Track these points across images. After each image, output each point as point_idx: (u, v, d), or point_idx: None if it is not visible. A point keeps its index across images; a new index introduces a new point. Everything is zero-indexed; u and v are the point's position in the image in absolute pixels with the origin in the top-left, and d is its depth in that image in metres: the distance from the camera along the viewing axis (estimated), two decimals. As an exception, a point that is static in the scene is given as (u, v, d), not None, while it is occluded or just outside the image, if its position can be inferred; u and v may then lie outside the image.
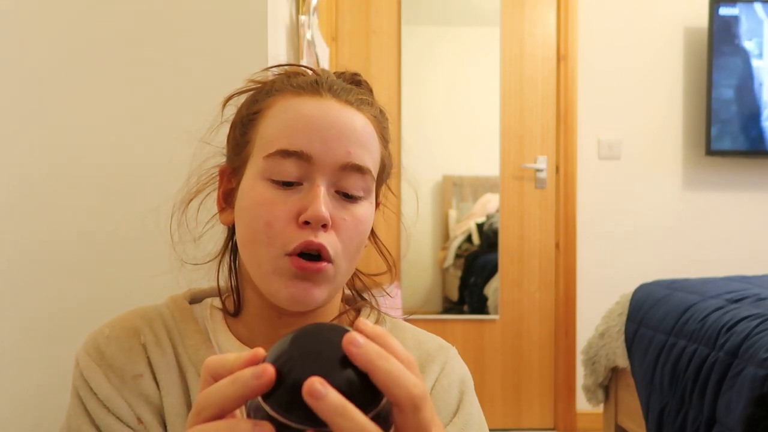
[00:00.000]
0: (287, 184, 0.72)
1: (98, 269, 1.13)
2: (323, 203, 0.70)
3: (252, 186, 0.74)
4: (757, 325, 1.93)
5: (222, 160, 0.83)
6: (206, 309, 0.82)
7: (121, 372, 0.75)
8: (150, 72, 1.13)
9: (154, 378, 0.76)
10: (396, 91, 3.42)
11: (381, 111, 0.80)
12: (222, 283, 0.83)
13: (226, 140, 0.82)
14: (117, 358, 0.76)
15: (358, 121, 0.75)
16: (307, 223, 0.70)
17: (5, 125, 1.11)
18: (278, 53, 1.27)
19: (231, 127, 0.81)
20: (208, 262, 0.84)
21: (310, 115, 0.73)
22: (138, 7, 1.13)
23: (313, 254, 0.71)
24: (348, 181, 0.73)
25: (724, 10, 3.28)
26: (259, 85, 0.80)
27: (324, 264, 0.71)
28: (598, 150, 3.41)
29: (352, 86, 0.79)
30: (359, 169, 0.73)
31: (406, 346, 0.82)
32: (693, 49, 3.42)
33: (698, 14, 3.38)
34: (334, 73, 0.82)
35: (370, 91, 0.82)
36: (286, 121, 0.73)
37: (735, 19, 3.29)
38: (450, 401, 0.80)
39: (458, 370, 0.83)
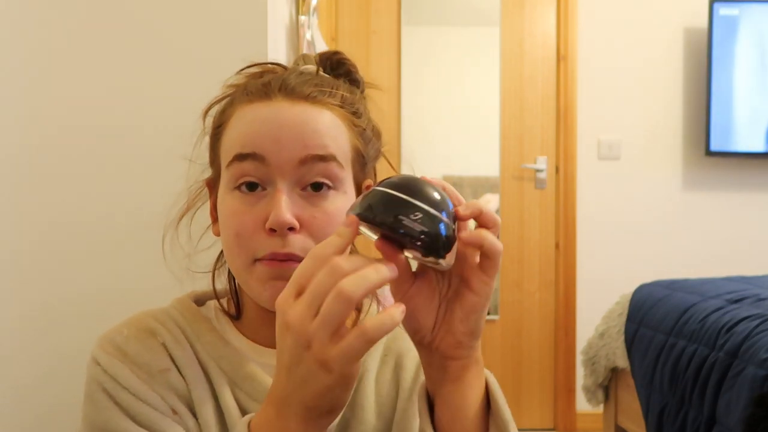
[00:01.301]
0: (251, 188, 0.72)
1: (100, 263, 1.13)
2: (285, 207, 0.70)
3: (222, 198, 0.75)
4: (757, 326, 1.93)
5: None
6: (211, 311, 0.83)
7: (147, 367, 0.75)
8: (149, 72, 1.13)
9: (180, 372, 0.76)
10: (396, 91, 3.42)
11: (348, 95, 0.78)
12: (220, 287, 0.84)
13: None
14: (141, 356, 0.75)
15: (310, 112, 0.73)
16: (273, 230, 0.70)
17: (13, 122, 1.11)
18: (278, 53, 1.27)
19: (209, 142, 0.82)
20: (215, 270, 0.85)
21: (260, 120, 0.73)
22: (138, 7, 1.13)
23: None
24: (310, 174, 0.72)
25: (724, 11, 3.28)
26: (232, 90, 0.80)
27: (294, 263, 0.70)
28: (597, 150, 3.41)
29: (311, 76, 0.77)
30: (321, 158, 0.72)
31: (407, 343, 0.83)
32: (693, 50, 3.42)
33: (698, 14, 3.38)
34: (319, 55, 0.81)
35: (349, 71, 0.82)
36: (239, 128, 0.74)
37: (735, 20, 3.29)
38: None
39: None
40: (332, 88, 0.77)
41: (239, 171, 0.72)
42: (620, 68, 3.41)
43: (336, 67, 0.82)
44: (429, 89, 3.47)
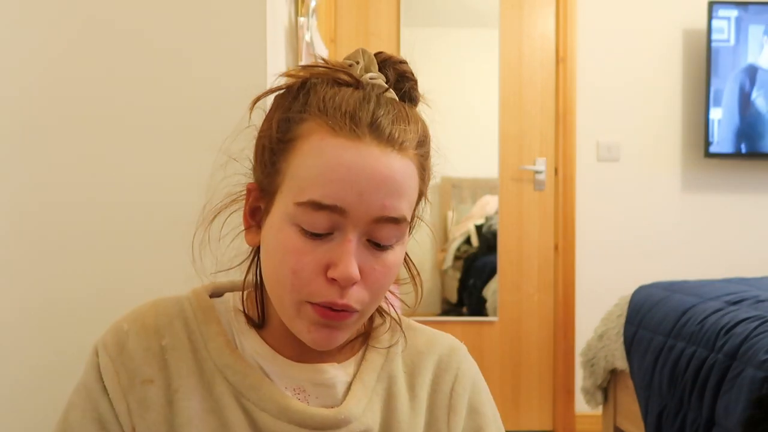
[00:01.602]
0: (317, 236, 0.69)
1: (101, 262, 1.13)
2: (353, 261, 0.69)
3: (280, 228, 0.71)
4: (756, 327, 1.93)
5: (239, 165, 0.80)
6: (230, 311, 0.80)
7: (133, 374, 0.75)
8: (147, 73, 1.13)
9: (168, 384, 0.75)
10: (395, 92, 3.42)
11: (422, 132, 0.77)
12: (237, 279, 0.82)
13: (253, 151, 0.77)
14: (133, 359, 0.75)
15: (397, 165, 0.70)
16: (335, 279, 0.69)
17: (13, 120, 1.11)
18: (277, 55, 1.27)
19: (259, 141, 0.76)
20: (237, 266, 0.82)
21: (347, 165, 0.68)
22: (136, 8, 1.13)
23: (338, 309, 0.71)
24: (381, 232, 0.70)
25: (723, 12, 3.29)
26: (294, 81, 0.74)
27: (348, 314, 0.71)
28: (597, 152, 3.41)
29: (393, 107, 0.74)
30: (394, 221, 0.70)
31: (419, 351, 0.83)
32: (692, 51, 3.42)
33: (697, 16, 3.38)
34: (377, 56, 0.77)
35: (410, 89, 0.80)
36: (320, 167, 0.69)
37: (734, 21, 3.30)
38: (464, 405, 0.82)
39: (469, 373, 0.84)
40: (414, 126, 0.75)
41: (311, 218, 0.68)
42: (619, 70, 3.41)
43: (397, 80, 0.79)
44: (428, 91, 3.46)
